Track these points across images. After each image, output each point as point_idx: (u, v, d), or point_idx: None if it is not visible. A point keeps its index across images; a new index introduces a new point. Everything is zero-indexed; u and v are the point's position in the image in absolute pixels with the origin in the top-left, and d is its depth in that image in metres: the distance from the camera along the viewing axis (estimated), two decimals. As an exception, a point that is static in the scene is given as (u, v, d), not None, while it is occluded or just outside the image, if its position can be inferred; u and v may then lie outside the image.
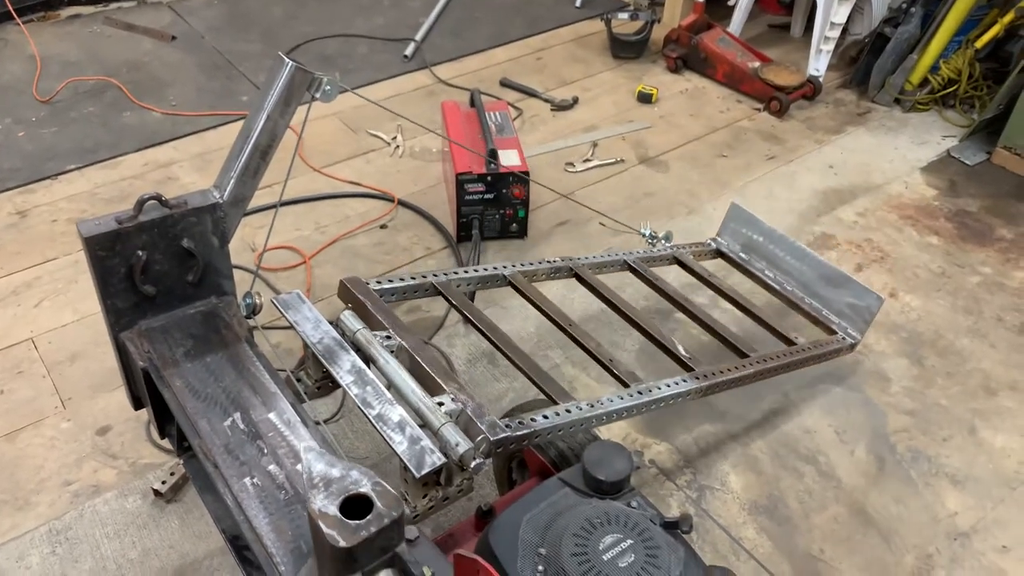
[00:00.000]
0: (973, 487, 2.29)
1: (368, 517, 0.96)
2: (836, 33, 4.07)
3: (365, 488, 0.99)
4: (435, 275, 1.99)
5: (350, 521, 0.96)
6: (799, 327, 2.50)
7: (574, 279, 2.28)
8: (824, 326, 2.42)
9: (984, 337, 2.78)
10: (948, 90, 4.00)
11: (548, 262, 2.19)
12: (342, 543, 0.94)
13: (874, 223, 3.29)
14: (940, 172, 3.61)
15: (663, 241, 2.58)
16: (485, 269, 2.10)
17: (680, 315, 2.34)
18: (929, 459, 2.37)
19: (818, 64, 4.12)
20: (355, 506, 0.98)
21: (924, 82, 4.01)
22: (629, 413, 1.78)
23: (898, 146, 3.79)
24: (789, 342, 2.31)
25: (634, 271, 2.40)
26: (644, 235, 2.58)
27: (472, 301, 2.06)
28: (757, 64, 4.12)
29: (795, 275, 2.52)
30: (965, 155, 3.69)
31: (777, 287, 2.53)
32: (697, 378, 1.92)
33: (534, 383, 1.79)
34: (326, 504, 0.97)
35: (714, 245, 2.68)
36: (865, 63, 4.15)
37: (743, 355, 2.14)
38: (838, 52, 4.31)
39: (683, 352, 2.03)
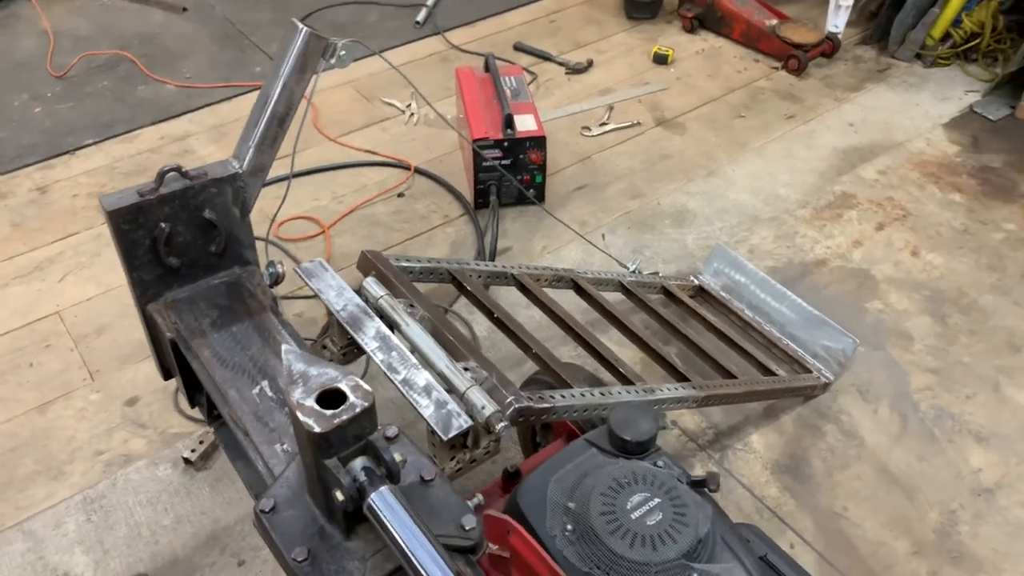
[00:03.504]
0: (997, 443, 2.29)
1: (342, 407, 1.05)
2: (855, -12, 3.98)
3: (340, 383, 1.07)
4: (449, 263, 2.03)
5: (324, 410, 1.04)
6: (775, 363, 2.51)
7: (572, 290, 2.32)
8: (800, 365, 2.45)
9: (1008, 294, 2.75)
10: (970, 44, 3.92)
11: (551, 270, 2.26)
12: (317, 429, 1.02)
13: (895, 181, 3.25)
14: (963, 128, 3.55)
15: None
16: (495, 266, 2.15)
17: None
18: (953, 416, 2.36)
19: (837, 20, 4.03)
20: (331, 399, 1.06)
21: (946, 36, 3.92)
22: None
23: (919, 102, 3.72)
24: (769, 372, 2.35)
25: (627, 292, 2.45)
26: (630, 268, 2.63)
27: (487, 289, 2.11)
28: (774, 22, 4.05)
29: (774, 316, 2.58)
30: (988, 110, 3.63)
31: (755, 326, 2.58)
32: (695, 388, 1.97)
33: (550, 370, 1.82)
34: (303, 396, 1.06)
35: (697, 282, 2.73)
36: (885, 18, 4.07)
37: (731, 376, 2.18)
38: (857, 7, 4.22)
39: (680, 365, 2.07)
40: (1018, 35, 3.92)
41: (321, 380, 1.08)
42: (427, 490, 1.21)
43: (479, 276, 2.08)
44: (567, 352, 2.44)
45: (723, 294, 2.68)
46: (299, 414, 1.04)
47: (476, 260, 2.45)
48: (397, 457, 1.11)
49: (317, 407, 1.05)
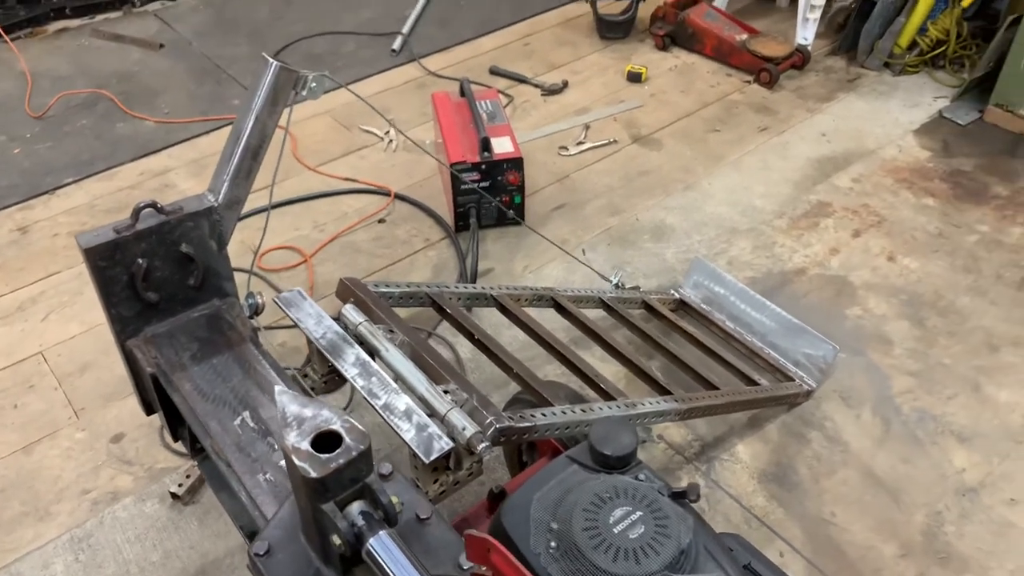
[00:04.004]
0: (980, 443, 2.31)
1: (337, 451, 1.03)
2: (822, 1, 4.05)
3: (335, 425, 1.06)
4: (428, 286, 2.04)
5: (320, 454, 1.03)
6: (757, 373, 2.52)
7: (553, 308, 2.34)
8: (782, 374, 2.48)
9: (984, 295, 2.79)
10: (937, 51, 3.99)
11: (531, 289, 2.27)
12: (313, 474, 1.01)
13: (869, 188, 3.30)
14: (933, 133, 3.61)
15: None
16: (474, 287, 2.16)
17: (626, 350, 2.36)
18: (935, 418, 2.38)
19: (806, 33, 4.11)
20: (326, 442, 1.05)
21: (913, 44, 3.99)
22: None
23: (890, 110, 3.78)
24: (751, 382, 2.37)
25: (609, 308, 2.46)
26: (612, 282, 2.66)
27: (469, 311, 2.12)
28: (745, 36, 4.11)
29: (755, 326, 2.60)
30: (957, 115, 3.69)
31: (737, 336, 2.60)
32: (677, 400, 1.98)
33: (531, 389, 1.83)
34: (298, 440, 1.04)
35: (677, 295, 2.76)
36: (853, 29, 4.14)
37: (713, 388, 2.20)
38: (825, 19, 4.29)
39: (662, 379, 2.09)
40: (983, 40, 3.99)
41: (316, 422, 1.06)
42: (423, 528, 1.21)
43: (459, 299, 2.09)
44: (553, 371, 2.45)
45: (704, 306, 2.71)
46: (295, 459, 1.03)
47: (457, 283, 2.46)
48: (394, 499, 1.10)
49: (312, 451, 1.03)
